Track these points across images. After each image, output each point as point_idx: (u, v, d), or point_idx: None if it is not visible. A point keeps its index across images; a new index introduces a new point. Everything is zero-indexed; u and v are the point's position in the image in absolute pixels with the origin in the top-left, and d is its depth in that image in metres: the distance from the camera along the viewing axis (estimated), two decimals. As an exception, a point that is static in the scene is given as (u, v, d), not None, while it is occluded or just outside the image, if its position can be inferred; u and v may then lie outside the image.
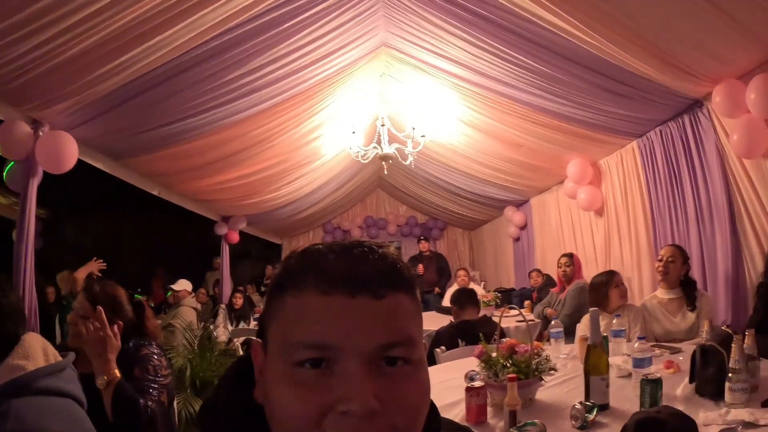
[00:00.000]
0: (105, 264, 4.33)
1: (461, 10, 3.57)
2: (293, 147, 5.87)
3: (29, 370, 1.14)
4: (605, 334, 2.71)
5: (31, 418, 1.07)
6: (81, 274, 4.22)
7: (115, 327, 1.88)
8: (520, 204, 7.96)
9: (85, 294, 1.98)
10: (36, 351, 1.19)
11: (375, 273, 0.55)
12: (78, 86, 3.19)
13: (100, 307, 1.88)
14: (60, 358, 1.23)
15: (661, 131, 4.33)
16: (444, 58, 4.47)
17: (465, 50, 4.09)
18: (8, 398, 1.07)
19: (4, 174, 3.98)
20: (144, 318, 2.15)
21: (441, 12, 3.76)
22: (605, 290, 3.24)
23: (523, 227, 7.96)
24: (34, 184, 3.52)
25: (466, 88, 4.79)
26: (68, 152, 3.58)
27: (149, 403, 1.81)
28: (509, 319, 4.90)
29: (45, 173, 3.60)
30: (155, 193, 5.78)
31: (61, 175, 3.66)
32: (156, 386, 1.93)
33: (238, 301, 6.84)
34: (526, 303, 5.92)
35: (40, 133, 3.45)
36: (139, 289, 8.15)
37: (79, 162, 3.82)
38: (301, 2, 3.51)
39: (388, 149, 5.54)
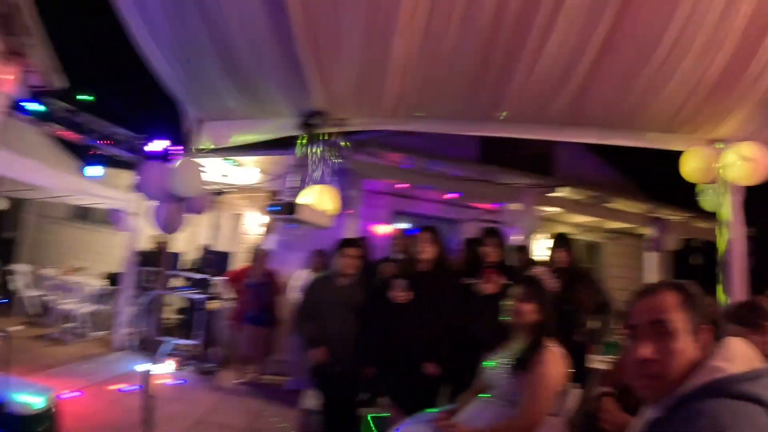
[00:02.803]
0: None
1: None
2: None
3: (729, 372, 1.15)
4: None
5: (724, 422, 1.06)
6: None
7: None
8: None
9: None
10: (739, 355, 1.21)
11: None
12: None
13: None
14: (764, 365, 1.20)
15: None
16: None
17: None
18: (705, 398, 1.12)
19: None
20: None
21: None
22: None
23: None
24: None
25: None
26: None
27: None
28: None
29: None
30: None
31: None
32: None
33: None
34: None
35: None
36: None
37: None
38: None
39: None
